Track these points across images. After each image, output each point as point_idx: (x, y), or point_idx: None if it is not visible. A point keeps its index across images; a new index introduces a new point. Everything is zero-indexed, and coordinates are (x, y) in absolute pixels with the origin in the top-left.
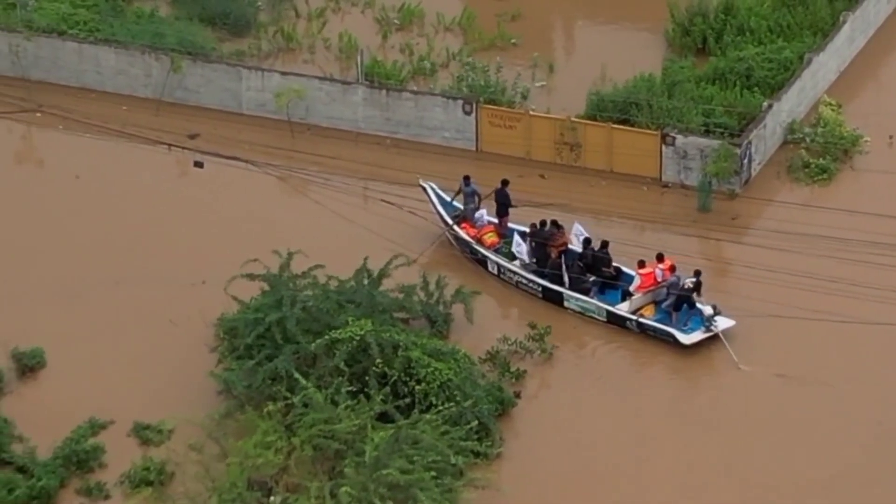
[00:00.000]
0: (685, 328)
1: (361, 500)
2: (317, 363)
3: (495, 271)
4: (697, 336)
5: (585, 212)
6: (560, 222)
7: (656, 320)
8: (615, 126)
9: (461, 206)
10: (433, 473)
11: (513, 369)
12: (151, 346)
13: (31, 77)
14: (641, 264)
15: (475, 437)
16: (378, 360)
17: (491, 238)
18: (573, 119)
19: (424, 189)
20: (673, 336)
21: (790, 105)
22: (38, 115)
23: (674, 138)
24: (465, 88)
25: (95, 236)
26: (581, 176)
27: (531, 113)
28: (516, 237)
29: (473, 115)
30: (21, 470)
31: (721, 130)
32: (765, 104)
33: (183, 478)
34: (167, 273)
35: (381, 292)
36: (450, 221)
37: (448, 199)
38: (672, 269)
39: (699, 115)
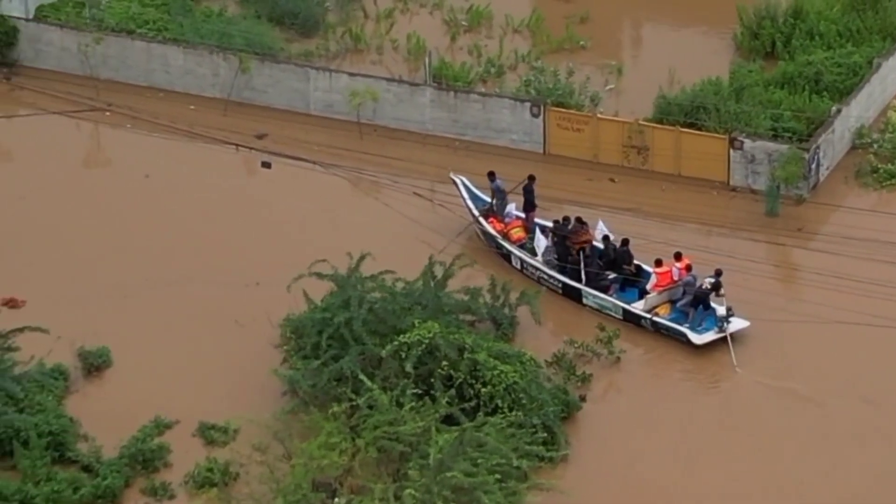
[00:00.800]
0: (699, 328)
1: (425, 503)
2: (383, 365)
3: (518, 266)
4: (709, 336)
5: (654, 216)
6: (584, 219)
7: (671, 319)
8: (683, 130)
9: (489, 200)
10: (497, 476)
11: (579, 372)
12: (217, 345)
13: (100, 76)
14: (658, 263)
15: (540, 440)
16: (444, 363)
17: (518, 233)
18: (641, 122)
19: (455, 182)
20: (685, 336)
21: (859, 110)
22: (107, 114)
23: (742, 142)
24: (533, 91)
25: (162, 236)
26: (650, 179)
27: (599, 116)
28: (538, 232)
29: (541, 117)
30: (86, 469)
31: (789, 135)
32: (833, 109)
33: (247, 478)
34: (232, 273)
35: (447, 294)
36: (476, 214)
37: (478, 192)
38: (688, 268)
39: (767, 120)
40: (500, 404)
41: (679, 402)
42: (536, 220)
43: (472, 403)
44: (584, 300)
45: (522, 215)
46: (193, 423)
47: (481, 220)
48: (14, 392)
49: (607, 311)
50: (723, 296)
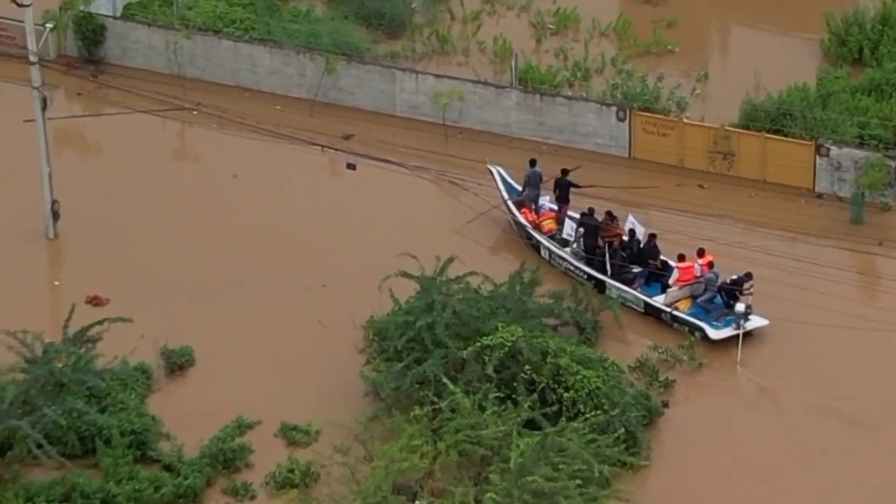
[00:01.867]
0: (717, 324)
1: None
2: (465, 368)
3: (547, 257)
4: (726, 332)
5: (741, 221)
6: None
7: (690, 314)
8: (769, 136)
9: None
10: (578, 482)
11: (661, 378)
12: (299, 346)
13: (187, 75)
14: (681, 258)
15: (622, 446)
16: (527, 367)
17: (549, 224)
18: (727, 128)
19: (491, 172)
20: (703, 330)
21: None
22: (195, 113)
23: (828, 149)
24: (620, 95)
25: (246, 236)
26: (737, 186)
27: (685, 121)
28: (568, 223)
29: (627, 121)
30: (168, 468)
31: (876, 143)
32: None
33: (328, 480)
34: (315, 273)
35: (532, 298)
36: (506, 197)
37: (513, 182)
38: (710, 264)
39: (854, 127)
40: (582, 409)
41: (765, 409)
42: (569, 213)
43: (554, 408)
44: (608, 292)
45: (556, 207)
46: (275, 424)
47: (514, 209)
48: (98, 387)
49: (629, 304)
50: (749, 294)
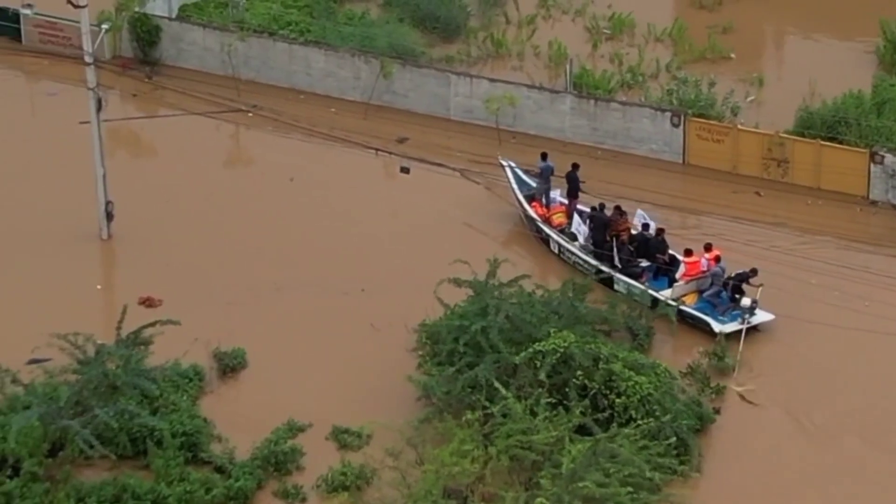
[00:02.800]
0: (723, 318)
1: None
2: (517, 373)
3: (556, 251)
4: (731, 326)
5: (796, 229)
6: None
7: (696, 308)
8: (824, 143)
9: (535, 185)
10: (629, 488)
11: (713, 385)
12: (351, 349)
13: (242, 76)
14: (688, 252)
15: (673, 452)
16: (579, 372)
17: (559, 218)
18: (781, 134)
19: (503, 166)
20: (709, 325)
21: None
22: (249, 114)
23: (882, 157)
24: (675, 101)
25: (300, 239)
26: (794, 193)
27: (739, 127)
28: (576, 217)
29: (681, 127)
30: (219, 470)
31: None
32: None
33: (379, 483)
34: (367, 277)
35: (585, 304)
36: (521, 199)
37: (524, 177)
38: (717, 259)
39: None
40: (633, 415)
41: (816, 414)
42: (578, 206)
43: (606, 414)
44: (616, 286)
45: (566, 201)
46: (327, 427)
47: (524, 204)
48: (150, 391)
49: (636, 298)
50: (759, 287)
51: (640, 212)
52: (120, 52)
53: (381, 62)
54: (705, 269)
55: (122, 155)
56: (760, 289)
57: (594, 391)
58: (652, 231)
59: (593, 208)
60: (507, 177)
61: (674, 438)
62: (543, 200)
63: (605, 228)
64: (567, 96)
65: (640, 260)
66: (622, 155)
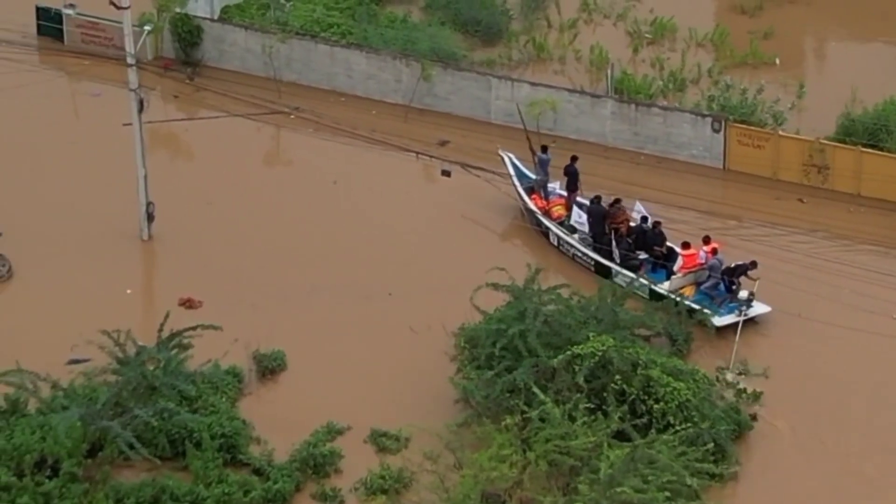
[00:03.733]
0: (720, 310)
1: None
2: (556, 377)
3: (556, 243)
4: (728, 319)
5: (836, 235)
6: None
7: (694, 300)
8: (864, 149)
9: (535, 177)
10: (667, 494)
11: (749, 391)
12: (390, 352)
13: (283, 78)
14: (686, 245)
15: (711, 458)
16: (617, 377)
17: (558, 211)
18: (822, 141)
19: (503, 158)
20: (706, 316)
21: None
22: (291, 116)
23: None
24: (717, 106)
25: (340, 241)
26: (836, 201)
27: (780, 133)
28: (576, 209)
29: (722, 133)
30: (257, 472)
31: None
32: None
33: (417, 487)
34: (405, 280)
35: (624, 309)
36: (521, 191)
37: (524, 170)
38: (714, 251)
39: None
40: (671, 421)
41: (854, 420)
42: (578, 199)
43: (644, 419)
44: (614, 278)
45: (565, 194)
46: (365, 430)
47: (524, 196)
48: (188, 392)
49: (635, 290)
50: (756, 280)
51: (638, 204)
52: (161, 52)
53: (422, 65)
54: (703, 261)
55: (163, 156)
56: (758, 282)
57: (632, 396)
58: (650, 224)
59: (591, 200)
60: (506, 169)
61: (712, 444)
62: (542, 193)
63: (602, 220)
64: (608, 101)
65: (638, 252)
66: (663, 160)
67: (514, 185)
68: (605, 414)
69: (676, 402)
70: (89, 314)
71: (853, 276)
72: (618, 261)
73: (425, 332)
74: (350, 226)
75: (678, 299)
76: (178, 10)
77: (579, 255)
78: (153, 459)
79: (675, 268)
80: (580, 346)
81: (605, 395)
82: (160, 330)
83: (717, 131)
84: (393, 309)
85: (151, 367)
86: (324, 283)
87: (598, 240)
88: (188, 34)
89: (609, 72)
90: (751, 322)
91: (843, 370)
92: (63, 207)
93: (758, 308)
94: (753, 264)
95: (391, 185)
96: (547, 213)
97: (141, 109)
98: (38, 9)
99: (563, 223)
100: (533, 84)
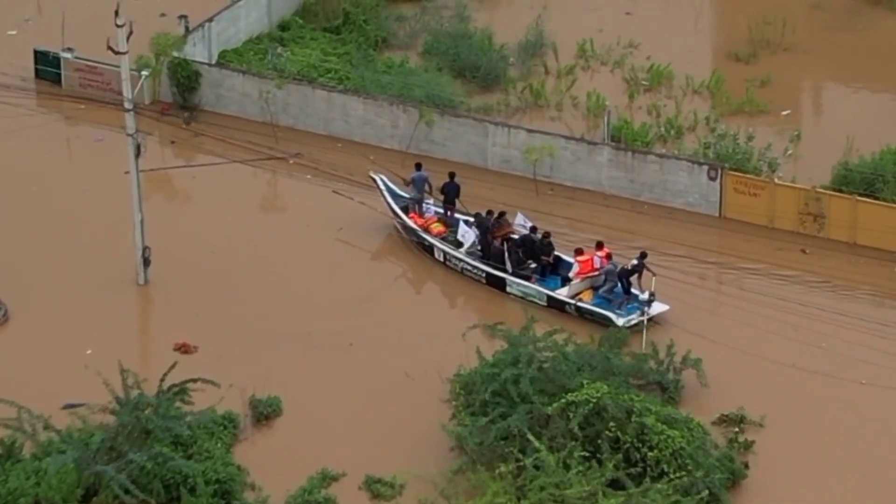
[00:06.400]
0: (620, 311)
1: None
2: (550, 424)
3: (441, 258)
4: (633, 319)
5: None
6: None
7: (594, 304)
8: (860, 199)
9: (408, 196)
10: None
11: (741, 440)
12: (386, 398)
13: (280, 123)
14: (580, 251)
15: None
16: (612, 425)
17: (437, 227)
18: (818, 189)
19: (374, 180)
20: (610, 319)
21: None
22: (291, 162)
23: None
24: (712, 154)
25: (337, 287)
26: (834, 251)
27: (776, 181)
28: (462, 225)
29: (718, 181)
30: None
31: None
32: None
33: None
34: (400, 327)
35: (618, 356)
36: (398, 210)
37: (397, 189)
38: (609, 256)
39: None
40: (666, 469)
41: (845, 466)
42: (456, 215)
43: (639, 468)
44: (508, 288)
45: (441, 210)
46: (360, 476)
47: (402, 215)
48: (182, 433)
49: (531, 299)
50: (653, 276)
51: (520, 215)
52: (159, 96)
53: (421, 111)
54: (598, 266)
55: (160, 201)
56: (654, 279)
57: (627, 445)
58: (538, 235)
59: (478, 214)
60: (380, 190)
61: (706, 493)
62: (418, 210)
63: (486, 233)
64: (604, 148)
65: (529, 262)
66: (658, 207)
67: (389, 205)
68: (600, 462)
69: (671, 450)
70: (84, 358)
71: (852, 327)
72: (510, 270)
73: (421, 378)
74: (346, 272)
75: (577, 304)
76: (175, 54)
77: (469, 268)
78: (149, 501)
79: (571, 274)
80: (574, 393)
81: (599, 442)
82: (162, 380)
83: (713, 179)
84: (388, 355)
85: (146, 411)
86: (319, 328)
87: (486, 251)
88: (186, 79)
89: (606, 119)
90: (745, 365)
91: (841, 421)
92: (60, 251)
93: (657, 307)
94: (643, 255)
95: (388, 232)
96: (427, 231)
97: (138, 154)
98: (36, 52)
99: (446, 238)
100: (530, 131)
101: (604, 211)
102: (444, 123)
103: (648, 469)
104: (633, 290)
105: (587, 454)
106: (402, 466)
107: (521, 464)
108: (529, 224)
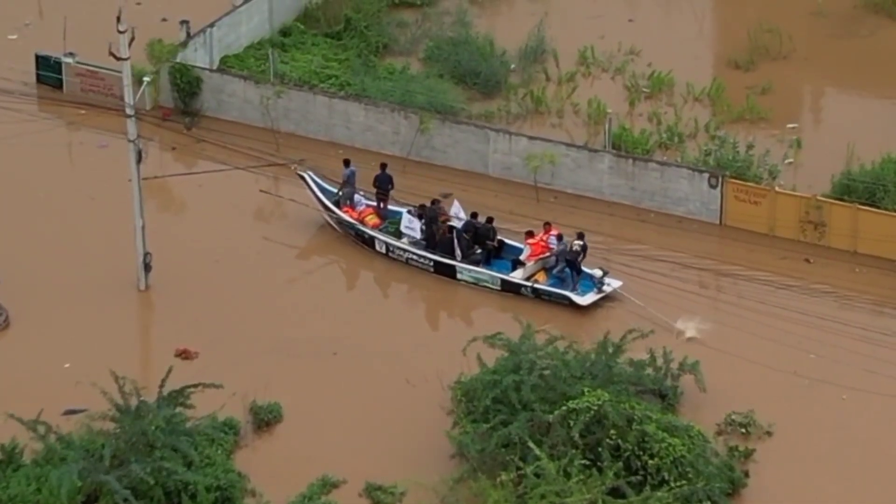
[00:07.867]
0: (576, 291)
1: None
2: (551, 432)
3: (383, 250)
4: (591, 297)
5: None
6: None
7: (549, 285)
8: (861, 207)
9: (336, 191)
10: None
11: (741, 448)
12: (386, 405)
13: (281, 129)
14: (530, 234)
15: None
16: (612, 432)
17: (373, 220)
18: (819, 198)
19: (303, 177)
20: (569, 298)
21: None
22: (293, 167)
23: None
24: (713, 161)
25: (336, 294)
26: (836, 259)
27: (777, 189)
28: (406, 216)
29: (719, 188)
30: None
31: None
32: None
33: None
34: (402, 334)
35: (619, 364)
36: (328, 205)
37: (325, 185)
38: (559, 237)
39: None
40: (666, 477)
41: (846, 476)
42: (389, 206)
43: (639, 476)
44: (459, 275)
45: (373, 203)
46: (361, 483)
47: (336, 210)
48: (188, 453)
49: (484, 284)
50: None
51: (455, 203)
52: (160, 101)
53: (421, 117)
54: (553, 246)
55: (162, 206)
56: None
57: (628, 453)
58: (482, 220)
59: (422, 206)
60: (308, 186)
61: (707, 502)
62: (350, 204)
63: (431, 222)
64: (605, 155)
65: (476, 248)
66: (658, 215)
67: (321, 200)
68: (600, 470)
69: (671, 458)
70: (86, 364)
71: (853, 336)
72: (459, 257)
73: (423, 385)
74: (346, 279)
75: (534, 285)
76: (173, 60)
77: (414, 258)
78: None
79: (523, 257)
80: (575, 401)
81: (600, 450)
82: (161, 385)
83: (714, 187)
84: (389, 362)
85: (150, 420)
86: (320, 335)
87: (432, 240)
88: (187, 84)
89: (607, 126)
90: (745, 373)
91: (841, 429)
92: (61, 257)
93: (612, 283)
94: (580, 236)
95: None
96: (362, 223)
97: (139, 160)
98: (37, 57)
99: (384, 230)
100: (531, 138)
101: (607, 219)
102: (444, 130)
103: (649, 477)
104: (584, 269)
105: (588, 462)
106: (403, 474)
107: (522, 472)
108: (462, 213)
